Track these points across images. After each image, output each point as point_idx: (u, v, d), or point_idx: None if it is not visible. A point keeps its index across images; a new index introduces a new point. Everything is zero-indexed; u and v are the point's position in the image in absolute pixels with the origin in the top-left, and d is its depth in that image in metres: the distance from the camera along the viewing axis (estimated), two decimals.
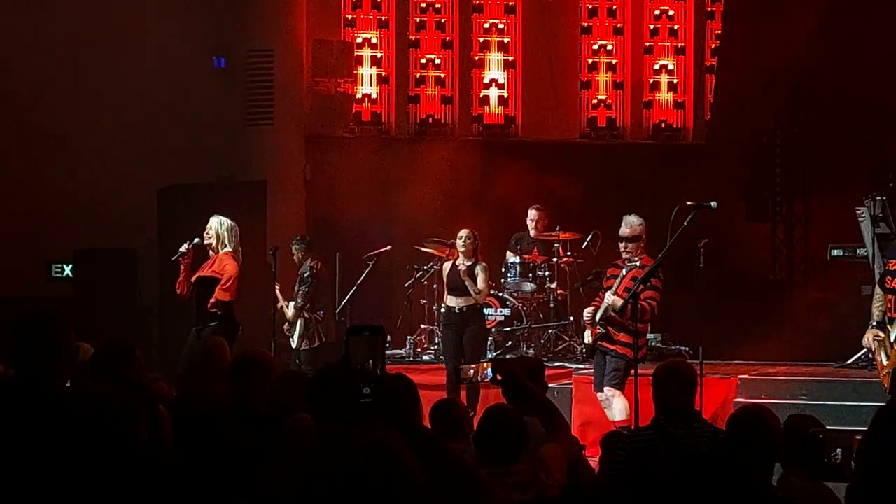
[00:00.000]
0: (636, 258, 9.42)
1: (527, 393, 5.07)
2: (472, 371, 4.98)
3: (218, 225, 10.63)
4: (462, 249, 11.22)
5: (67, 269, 13.85)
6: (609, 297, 9.40)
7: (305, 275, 11.89)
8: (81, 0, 13.57)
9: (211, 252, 10.68)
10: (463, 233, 11.25)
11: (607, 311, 9.39)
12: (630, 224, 9.47)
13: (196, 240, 10.61)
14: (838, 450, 3.64)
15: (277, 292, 11.90)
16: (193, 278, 10.62)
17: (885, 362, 7.82)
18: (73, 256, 13.82)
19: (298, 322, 11.85)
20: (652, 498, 5.24)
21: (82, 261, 13.74)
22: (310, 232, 14.27)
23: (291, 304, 11.94)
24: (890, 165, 12.21)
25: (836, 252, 12.03)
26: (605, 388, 9.46)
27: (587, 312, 9.59)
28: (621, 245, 9.52)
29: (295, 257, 12.00)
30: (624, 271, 9.49)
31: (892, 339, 7.77)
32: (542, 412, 5.10)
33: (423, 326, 13.30)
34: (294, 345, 11.80)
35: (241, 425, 5.11)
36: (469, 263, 11.13)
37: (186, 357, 10.13)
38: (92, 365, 5.62)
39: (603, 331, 9.42)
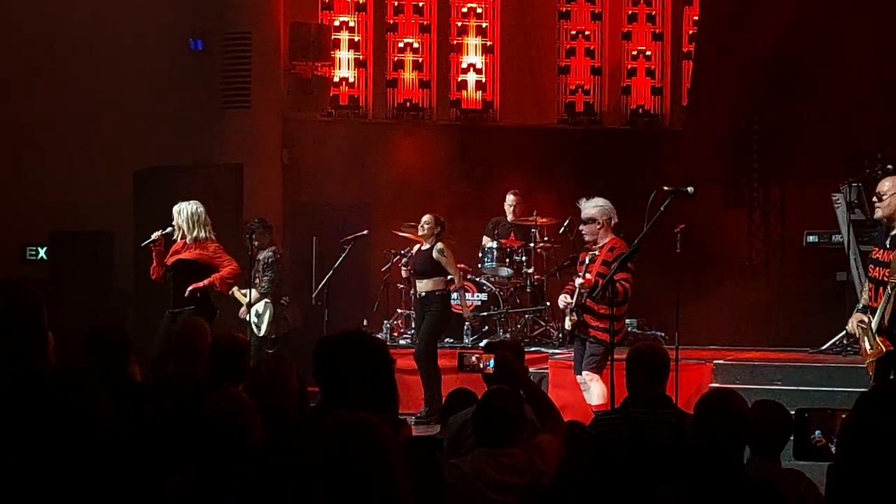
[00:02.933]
0: (601, 241, 9.42)
1: (523, 384, 5.11)
2: (474, 358, 5.06)
3: (178, 215, 10.55)
4: (421, 234, 11.30)
5: (42, 252, 13.77)
6: (577, 283, 9.42)
7: (270, 260, 11.80)
8: None
9: (181, 238, 10.61)
10: (424, 217, 11.32)
11: (581, 298, 9.41)
12: (584, 207, 9.53)
13: (168, 229, 10.56)
14: (817, 432, 3.67)
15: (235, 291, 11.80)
16: (169, 261, 10.56)
17: (868, 350, 7.85)
18: (48, 239, 13.75)
19: (268, 311, 11.78)
20: (616, 482, 5.28)
21: (57, 243, 13.67)
22: (286, 216, 14.26)
23: (252, 290, 11.84)
24: (866, 152, 12.26)
25: (811, 238, 12.07)
26: (584, 373, 9.49)
27: (562, 300, 9.61)
28: (580, 227, 9.61)
29: (256, 242, 11.90)
30: (587, 259, 9.50)
31: (874, 328, 7.80)
32: (536, 402, 5.13)
33: (399, 311, 13.30)
34: (263, 332, 11.70)
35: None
36: (426, 247, 11.22)
37: (161, 339, 10.10)
38: (86, 349, 5.65)
39: (578, 318, 9.44)
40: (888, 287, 7.65)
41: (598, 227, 9.41)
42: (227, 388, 5.55)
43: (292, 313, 11.98)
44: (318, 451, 3.05)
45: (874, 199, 7.95)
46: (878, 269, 7.82)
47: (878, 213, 7.91)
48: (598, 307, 9.22)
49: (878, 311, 7.71)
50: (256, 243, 11.79)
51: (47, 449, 3.60)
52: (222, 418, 4.15)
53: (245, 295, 11.58)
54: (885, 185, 7.89)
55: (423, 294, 11.31)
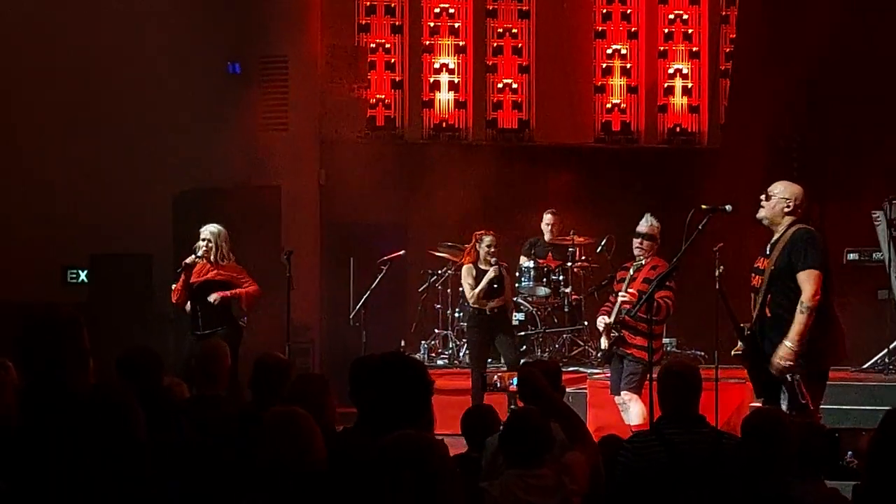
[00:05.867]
0: (644, 259, 9.42)
1: (550, 402, 5.09)
2: (496, 378, 5.04)
3: (217, 237, 10.61)
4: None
5: (83, 275, 13.85)
6: (621, 298, 9.40)
7: None
8: (97, 4, 13.59)
9: (206, 260, 10.64)
10: (487, 239, 11.31)
11: (620, 314, 9.39)
12: (649, 222, 9.54)
13: (201, 252, 10.61)
14: (850, 453, 3.63)
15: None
16: (195, 283, 10.60)
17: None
18: (89, 262, 13.84)
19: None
20: (651, 502, 5.24)
21: (98, 266, 13.75)
22: (323, 236, 14.29)
23: None
24: None
25: (851, 256, 12.00)
26: (623, 392, 9.45)
27: (600, 322, 9.59)
28: (636, 241, 9.56)
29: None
30: (631, 270, 9.49)
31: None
32: (565, 420, 5.11)
33: (437, 331, 13.32)
34: None
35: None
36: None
37: (187, 361, 10.13)
38: (118, 368, 5.69)
39: (617, 334, 9.41)
40: (758, 294, 7.58)
41: (656, 245, 9.47)
42: (266, 406, 5.58)
43: (254, 333, 12.00)
44: (387, 471, 3.06)
45: (762, 197, 7.85)
46: (757, 277, 7.75)
47: (761, 213, 7.79)
48: (637, 324, 9.19)
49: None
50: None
51: (77, 467, 3.61)
52: (281, 435, 4.16)
53: None
54: (776, 188, 7.79)
55: (496, 310, 11.31)
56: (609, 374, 9.86)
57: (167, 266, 13.26)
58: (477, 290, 11.15)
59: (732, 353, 7.93)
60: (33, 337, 4.08)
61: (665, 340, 12.23)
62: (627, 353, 9.40)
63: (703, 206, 8.41)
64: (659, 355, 9.64)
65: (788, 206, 7.67)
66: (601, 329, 9.59)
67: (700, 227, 8.31)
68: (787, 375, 7.41)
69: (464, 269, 11.42)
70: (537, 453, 4.93)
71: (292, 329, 11.77)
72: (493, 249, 11.32)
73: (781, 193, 7.70)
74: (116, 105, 13.62)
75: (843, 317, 12.28)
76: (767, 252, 7.70)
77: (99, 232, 13.45)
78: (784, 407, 7.36)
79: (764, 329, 7.58)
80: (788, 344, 7.38)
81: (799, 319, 7.36)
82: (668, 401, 5.60)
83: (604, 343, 9.65)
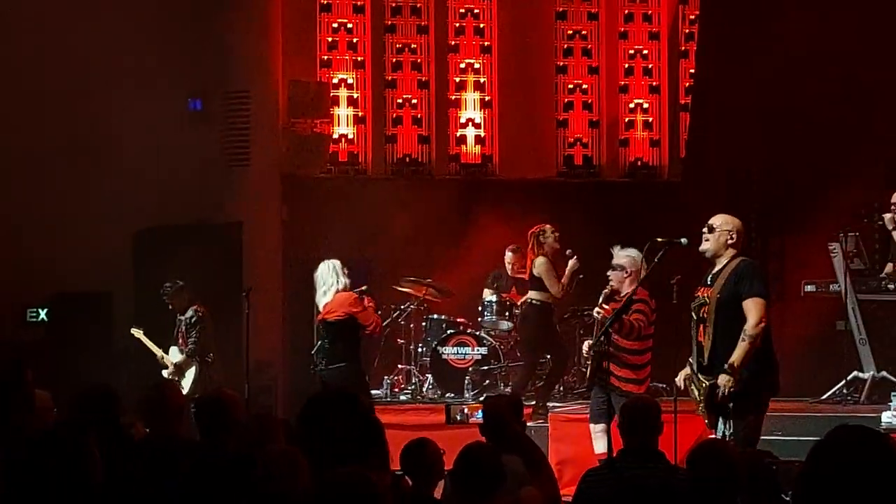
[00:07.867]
0: (625, 290, 9.51)
1: (511, 433, 5.10)
2: (465, 410, 5.03)
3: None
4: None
5: (42, 314, 13.77)
6: (595, 314, 9.53)
7: (193, 320, 11.96)
8: (58, 40, 13.58)
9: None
10: (548, 229, 11.74)
11: (599, 345, 9.40)
12: (616, 254, 9.69)
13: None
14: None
15: (141, 336, 11.98)
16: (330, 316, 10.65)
17: (697, 397, 7.89)
18: (49, 300, 13.75)
19: (192, 369, 11.92)
20: None
21: (57, 304, 13.67)
22: (286, 273, 14.26)
23: (174, 349, 12.03)
24: (863, 202, 12.28)
25: (809, 287, 12.11)
26: (601, 424, 9.51)
27: (585, 345, 9.69)
28: (608, 273, 9.72)
29: (171, 304, 12.08)
30: (601, 299, 9.61)
31: (695, 369, 7.86)
32: (525, 453, 5.12)
33: (400, 366, 13.29)
34: (186, 392, 11.63)
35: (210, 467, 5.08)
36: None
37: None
38: (73, 407, 5.65)
39: (595, 365, 9.43)
40: (706, 323, 7.67)
41: (626, 275, 9.57)
42: (217, 445, 5.54)
43: (217, 371, 12.03)
44: None
45: (704, 230, 7.95)
46: (701, 307, 7.88)
47: (705, 246, 7.89)
48: (620, 355, 9.28)
49: (697, 349, 7.75)
50: (171, 306, 12.00)
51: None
52: (280, 478, 4.12)
53: (158, 346, 11.99)
54: (717, 220, 7.92)
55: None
56: (590, 403, 9.89)
57: (127, 304, 13.23)
58: (563, 282, 11.32)
59: (681, 379, 7.98)
60: None
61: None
62: (615, 387, 9.44)
63: (659, 239, 8.47)
64: (646, 386, 9.72)
65: (731, 238, 7.81)
66: (585, 351, 9.70)
67: (656, 260, 8.38)
68: (727, 406, 7.54)
69: (541, 263, 11.51)
70: (487, 488, 4.91)
71: (255, 367, 11.72)
72: (558, 234, 11.61)
73: (724, 226, 7.84)
74: (75, 142, 13.58)
75: (801, 348, 12.43)
76: (709, 282, 7.79)
77: (58, 271, 13.37)
78: (721, 436, 7.48)
79: (712, 357, 7.66)
80: (728, 369, 7.48)
81: (741, 346, 7.50)
82: (627, 436, 5.68)
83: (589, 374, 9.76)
